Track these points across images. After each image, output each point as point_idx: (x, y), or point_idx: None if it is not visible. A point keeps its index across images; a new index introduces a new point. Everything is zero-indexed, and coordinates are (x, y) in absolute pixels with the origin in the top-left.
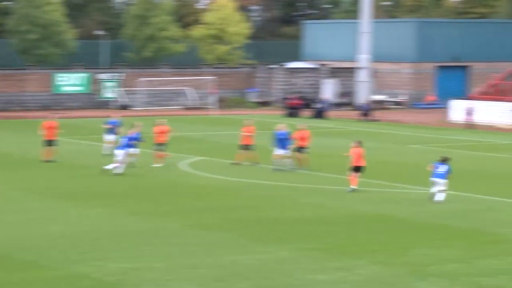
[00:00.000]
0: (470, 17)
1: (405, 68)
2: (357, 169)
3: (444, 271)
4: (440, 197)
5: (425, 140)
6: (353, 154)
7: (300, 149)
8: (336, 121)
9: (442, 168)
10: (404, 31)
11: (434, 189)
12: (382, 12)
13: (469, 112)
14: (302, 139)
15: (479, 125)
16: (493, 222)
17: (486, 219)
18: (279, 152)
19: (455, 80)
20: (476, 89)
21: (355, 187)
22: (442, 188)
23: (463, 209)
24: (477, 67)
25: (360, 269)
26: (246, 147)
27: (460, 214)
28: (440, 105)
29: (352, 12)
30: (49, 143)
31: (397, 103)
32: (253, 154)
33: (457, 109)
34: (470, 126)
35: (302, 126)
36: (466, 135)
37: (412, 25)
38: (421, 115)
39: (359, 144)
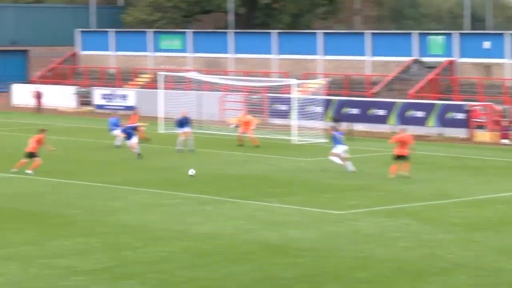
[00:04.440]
0: (26, 1)
1: None
2: None
3: (15, 254)
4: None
5: None
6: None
7: None
8: None
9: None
10: None
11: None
12: None
13: (37, 96)
14: None
15: (44, 108)
16: (60, 204)
17: (53, 201)
18: None
19: (15, 64)
20: (36, 73)
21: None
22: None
23: (29, 192)
24: (36, 51)
25: None
26: None
27: (28, 197)
28: (1, 90)
29: None
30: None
31: None
32: None
33: (20, 93)
34: (38, 110)
35: None
36: (34, 119)
37: None
38: None
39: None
